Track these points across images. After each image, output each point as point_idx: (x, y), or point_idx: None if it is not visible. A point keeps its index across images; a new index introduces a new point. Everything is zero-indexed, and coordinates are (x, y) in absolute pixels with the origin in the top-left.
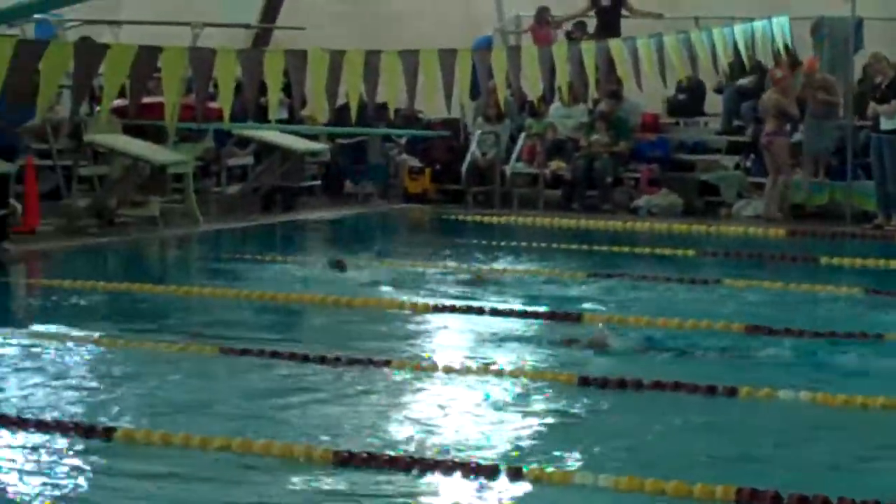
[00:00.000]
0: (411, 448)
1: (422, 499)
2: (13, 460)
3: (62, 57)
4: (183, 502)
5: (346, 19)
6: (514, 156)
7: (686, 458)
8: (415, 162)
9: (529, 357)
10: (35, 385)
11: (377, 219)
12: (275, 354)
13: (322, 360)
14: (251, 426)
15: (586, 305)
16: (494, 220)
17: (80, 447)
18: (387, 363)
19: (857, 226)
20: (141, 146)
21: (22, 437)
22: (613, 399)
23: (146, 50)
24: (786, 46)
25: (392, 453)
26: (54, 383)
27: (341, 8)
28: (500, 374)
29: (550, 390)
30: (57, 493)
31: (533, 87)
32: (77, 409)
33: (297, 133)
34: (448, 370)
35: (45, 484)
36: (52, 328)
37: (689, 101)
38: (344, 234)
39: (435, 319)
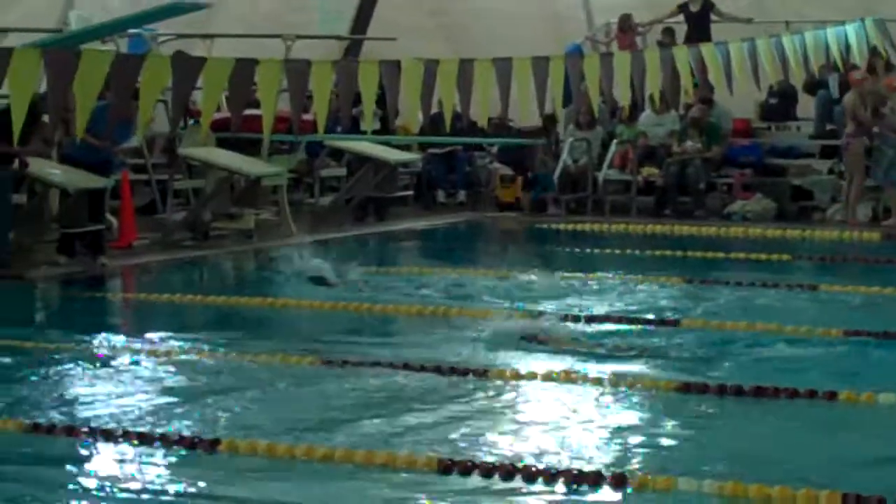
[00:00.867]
0: (513, 455)
1: None
2: (116, 474)
3: (160, 71)
4: None
5: (434, 30)
6: (606, 163)
7: (789, 463)
8: (507, 170)
9: (628, 363)
10: (135, 398)
11: (469, 228)
12: (375, 364)
13: (421, 368)
14: (352, 436)
15: (681, 311)
16: (587, 227)
17: (184, 460)
18: (485, 372)
19: None
20: (235, 159)
21: (125, 451)
22: (714, 405)
23: (242, 63)
24: (874, 49)
25: (494, 461)
26: (154, 396)
27: (430, 19)
28: (599, 381)
29: (650, 397)
30: None
31: (624, 94)
32: (179, 422)
33: (389, 144)
34: (547, 378)
35: (148, 497)
36: (150, 342)
37: (780, 105)
38: (436, 244)
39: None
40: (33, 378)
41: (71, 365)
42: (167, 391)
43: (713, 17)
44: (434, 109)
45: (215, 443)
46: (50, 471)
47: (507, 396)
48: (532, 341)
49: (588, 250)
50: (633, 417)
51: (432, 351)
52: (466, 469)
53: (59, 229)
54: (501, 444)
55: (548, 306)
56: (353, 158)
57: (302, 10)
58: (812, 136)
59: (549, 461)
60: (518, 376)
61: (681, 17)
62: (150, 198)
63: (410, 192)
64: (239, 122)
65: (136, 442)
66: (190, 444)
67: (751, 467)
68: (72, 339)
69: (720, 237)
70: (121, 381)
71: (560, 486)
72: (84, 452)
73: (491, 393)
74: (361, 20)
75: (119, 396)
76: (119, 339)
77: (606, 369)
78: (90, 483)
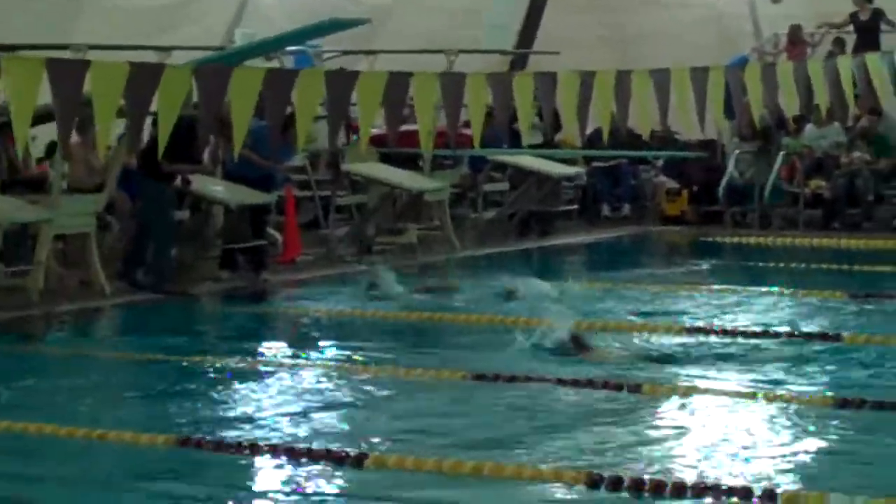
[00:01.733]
0: (661, 470)
1: None
2: (263, 489)
3: (313, 87)
4: None
5: (601, 42)
6: (772, 175)
7: None
8: (672, 184)
9: (785, 378)
10: (288, 413)
11: (633, 242)
12: (528, 379)
13: (573, 383)
14: (501, 450)
15: (844, 326)
16: (753, 241)
17: (331, 474)
18: (638, 387)
19: None
20: (397, 174)
21: (271, 465)
22: (870, 421)
23: (396, 76)
24: None
25: (644, 476)
26: (307, 411)
27: (597, 31)
28: (753, 395)
29: (806, 412)
30: None
31: (789, 105)
32: (329, 437)
33: (552, 158)
34: (700, 392)
35: None
36: (308, 356)
37: None
38: (600, 258)
39: (689, 341)
40: (191, 393)
41: (228, 380)
42: (321, 406)
43: (884, 27)
44: (596, 123)
45: (362, 457)
46: (196, 486)
47: (659, 411)
48: (568, 353)
49: (753, 264)
50: (786, 432)
51: (582, 365)
52: (615, 483)
53: (221, 245)
54: (650, 459)
55: (706, 319)
56: (516, 173)
57: (469, 26)
58: None
59: (698, 475)
60: (671, 391)
61: (851, 28)
62: (314, 214)
63: (575, 207)
64: (396, 136)
65: (283, 457)
66: (338, 458)
67: None
68: (231, 354)
69: (889, 250)
70: (276, 395)
71: (709, 501)
72: (231, 468)
73: (643, 407)
74: (527, 34)
75: (272, 411)
76: (277, 354)
77: (761, 383)
78: (235, 498)
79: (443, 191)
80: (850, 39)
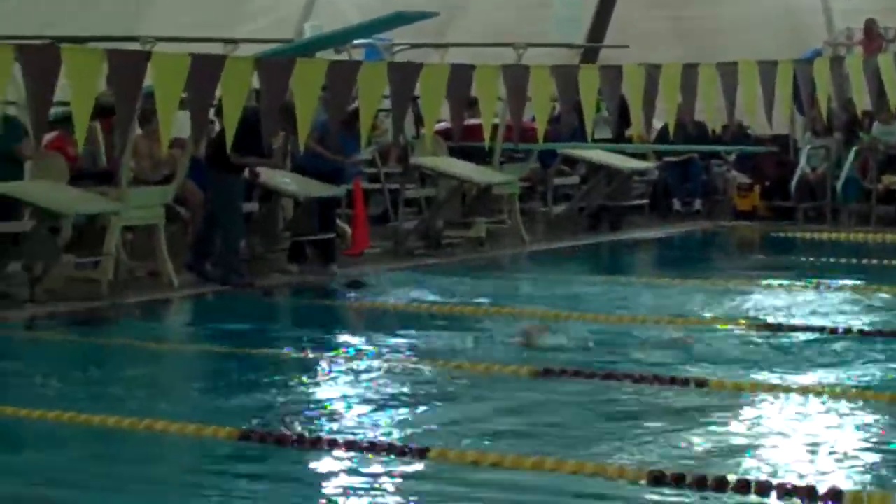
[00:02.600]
0: (726, 469)
1: None
2: (325, 483)
3: (376, 79)
4: None
5: (672, 36)
6: (844, 171)
7: None
8: (744, 178)
9: (851, 376)
10: (351, 406)
11: (704, 237)
12: (608, 377)
13: (640, 379)
14: (561, 445)
15: None
16: (825, 236)
17: (393, 468)
18: (704, 383)
19: None
20: (466, 168)
21: (333, 459)
22: None
23: (459, 69)
24: None
25: (706, 473)
26: (370, 404)
27: (668, 25)
28: (820, 392)
29: (870, 410)
30: None
31: (860, 99)
32: (392, 430)
33: (623, 152)
34: (768, 389)
35: None
36: (373, 350)
37: None
38: (670, 253)
39: (758, 338)
40: (255, 385)
41: (293, 373)
42: (384, 399)
43: None
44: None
45: (424, 451)
46: (258, 481)
47: (726, 408)
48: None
49: (825, 259)
50: (851, 431)
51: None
52: (678, 480)
53: (290, 238)
54: (716, 456)
55: (776, 315)
56: (586, 167)
57: (539, 20)
58: None
59: (761, 474)
60: (739, 387)
61: None
62: (384, 207)
63: (646, 201)
64: (460, 129)
65: (346, 450)
66: (400, 452)
67: None
68: (297, 346)
69: None
70: (340, 388)
71: (773, 501)
72: (294, 461)
73: (711, 404)
74: (598, 28)
75: (335, 404)
76: (342, 347)
77: (828, 380)
78: (298, 492)
79: (512, 184)
80: None
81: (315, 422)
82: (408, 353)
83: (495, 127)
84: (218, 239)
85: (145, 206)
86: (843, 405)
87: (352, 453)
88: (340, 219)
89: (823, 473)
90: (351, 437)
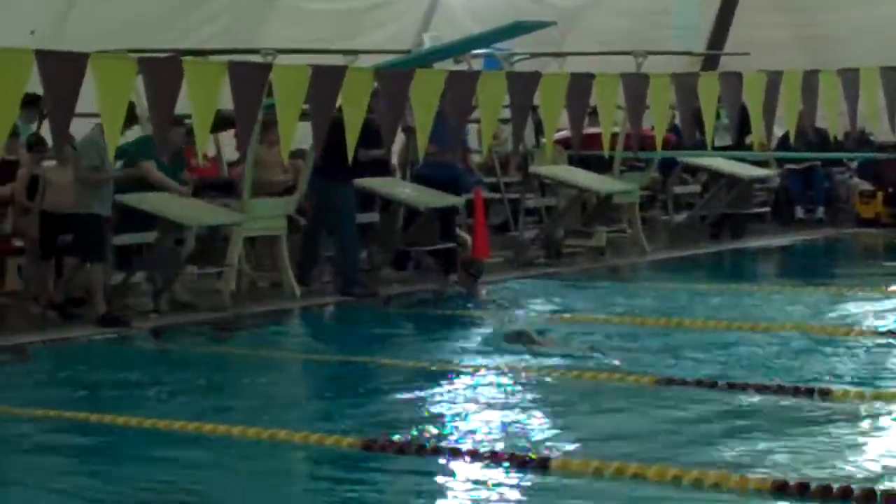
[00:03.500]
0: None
1: None
2: (451, 492)
3: (496, 87)
4: None
5: (793, 43)
6: None
7: None
8: (866, 185)
9: None
10: (472, 416)
11: (827, 245)
12: (713, 386)
13: (763, 388)
14: (679, 455)
15: None
16: None
17: (515, 478)
18: (825, 393)
19: None
20: (586, 176)
21: (454, 469)
22: None
23: (579, 78)
24: None
25: (830, 482)
26: (491, 413)
27: (789, 32)
28: None
29: None
30: None
31: None
32: (514, 439)
33: (744, 159)
34: (890, 398)
35: None
36: (493, 358)
37: None
38: (793, 261)
39: (884, 347)
40: (376, 394)
41: (413, 382)
42: (504, 408)
43: None
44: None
45: (546, 461)
46: (380, 490)
47: (851, 418)
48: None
49: None
50: None
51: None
52: (801, 489)
53: (401, 247)
54: (835, 465)
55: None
56: (707, 175)
57: (660, 27)
58: None
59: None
60: (861, 397)
61: None
62: (504, 216)
63: (768, 209)
64: (580, 138)
65: (467, 460)
66: (522, 462)
67: None
68: (416, 356)
69: None
70: (460, 398)
71: None
72: (415, 470)
73: (830, 414)
74: (718, 35)
75: (455, 414)
76: (461, 357)
77: None
78: (420, 502)
79: (632, 193)
80: None
81: (435, 431)
82: (527, 362)
83: (615, 136)
84: (321, 249)
85: (267, 217)
86: None
87: (474, 463)
88: (461, 228)
89: None
90: (473, 447)
